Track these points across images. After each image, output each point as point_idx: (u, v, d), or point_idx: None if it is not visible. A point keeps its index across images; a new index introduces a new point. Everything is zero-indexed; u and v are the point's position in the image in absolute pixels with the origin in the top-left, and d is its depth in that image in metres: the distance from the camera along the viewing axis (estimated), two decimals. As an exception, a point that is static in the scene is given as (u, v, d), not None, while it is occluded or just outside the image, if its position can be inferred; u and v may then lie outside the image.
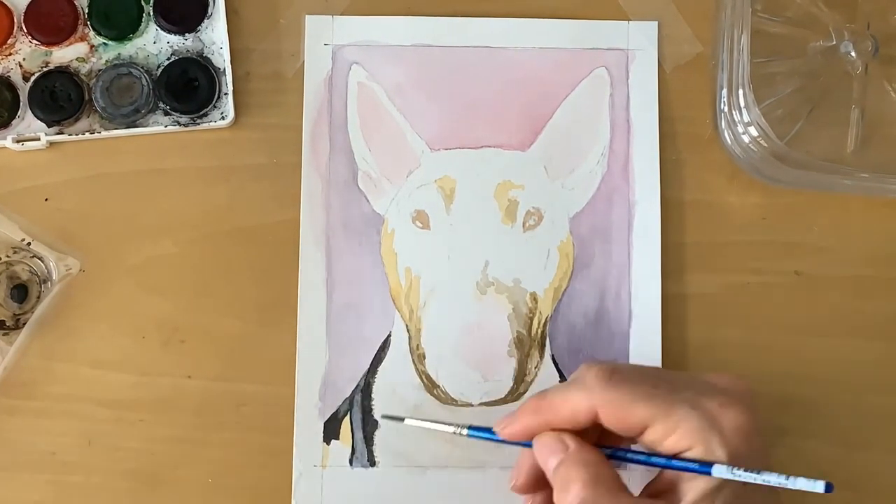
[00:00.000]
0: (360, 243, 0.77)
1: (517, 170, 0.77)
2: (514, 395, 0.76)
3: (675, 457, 0.61)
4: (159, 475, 0.75)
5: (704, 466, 0.59)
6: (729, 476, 0.59)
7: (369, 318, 0.76)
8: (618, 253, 0.77)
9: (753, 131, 0.75)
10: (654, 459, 0.62)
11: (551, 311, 0.77)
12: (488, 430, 0.66)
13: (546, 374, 0.76)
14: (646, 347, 0.76)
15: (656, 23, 0.80)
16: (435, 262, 0.77)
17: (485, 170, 0.77)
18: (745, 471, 0.58)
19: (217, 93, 0.77)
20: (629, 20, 0.79)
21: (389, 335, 0.76)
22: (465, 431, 0.67)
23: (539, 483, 0.66)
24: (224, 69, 0.77)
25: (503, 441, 0.65)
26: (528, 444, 0.64)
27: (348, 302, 0.76)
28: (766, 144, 0.75)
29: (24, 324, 0.75)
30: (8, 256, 0.76)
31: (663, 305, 0.77)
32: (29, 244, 0.76)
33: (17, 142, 0.76)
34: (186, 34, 0.78)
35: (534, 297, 0.76)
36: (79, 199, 0.77)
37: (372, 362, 0.76)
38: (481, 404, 0.76)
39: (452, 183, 0.77)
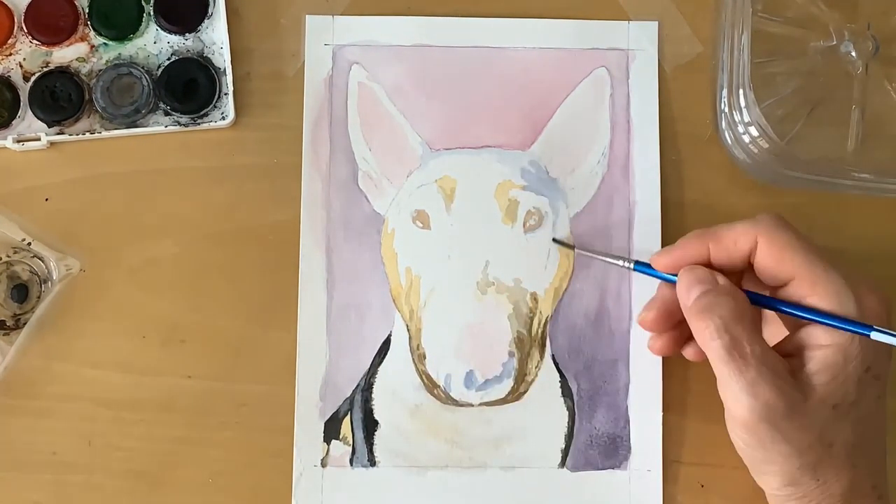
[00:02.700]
0: (360, 243, 0.77)
1: (517, 170, 0.77)
2: (515, 394, 0.76)
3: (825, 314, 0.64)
4: (159, 475, 0.75)
5: (864, 328, 0.62)
6: (884, 339, 0.62)
7: (369, 317, 0.76)
8: (618, 253, 0.77)
9: (754, 131, 0.75)
10: (808, 313, 0.64)
11: (552, 311, 0.77)
12: (648, 266, 0.71)
13: (546, 373, 0.76)
14: (646, 348, 0.76)
15: (656, 23, 0.80)
16: (435, 262, 0.77)
17: (485, 170, 0.77)
18: (889, 335, 0.62)
19: (217, 93, 0.77)
20: (629, 20, 0.79)
21: (390, 335, 0.76)
22: (631, 265, 0.73)
23: (665, 323, 0.70)
24: (224, 69, 0.77)
25: (661, 276, 0.70)
26: (674, 280, 0.68)
27: (348, 302, 0.76)
28: (766, 144, 0.75)
29: (25, 324, 0.75)
30: (8, 256, 0.76)
31: (663, 305, 0.77)
32: (29, 244, 0.76)
33: (18, 142, 0.76)
34: (187, 34, 0.78)
35: (534, 297, 0.76)
36: (79, 199, 0.77)
37: (372, 362, 0.76)
38: (481, 404, 0.76)
39: (453, 183, 0.77)
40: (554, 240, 0.77)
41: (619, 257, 0.74)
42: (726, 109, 0.76)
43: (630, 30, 0.79)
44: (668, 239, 0.77)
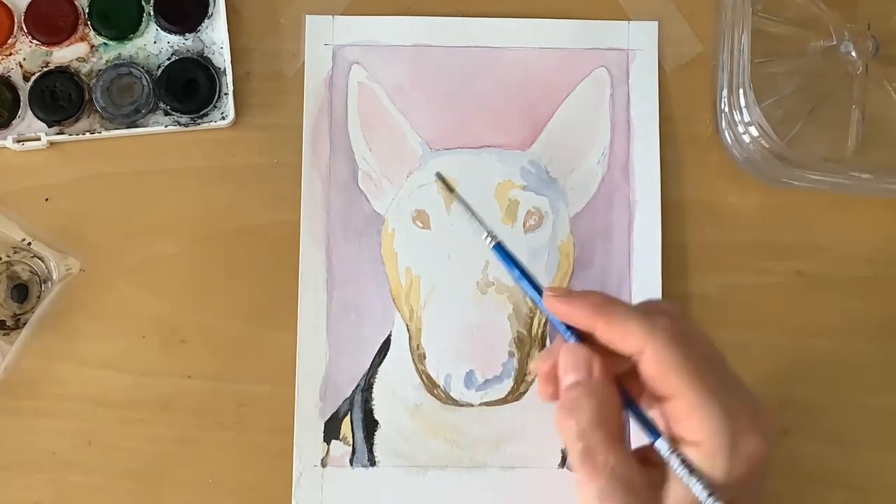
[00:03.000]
0: (360, 243, 0.77)
1: (517, 170, 0.77)
2: (515, 394, 0.76)
3: (676, 445, 0.59)
4: (159, 475, 0.75)
5: (653, 435, 0.59)
6: (665, 456, 0.58)
7: (370, 317, 0.76)
8: (618, 253, 0.77)
9: (754, 131, 0.75)
10: (658, 440, 0.60)
11: (552, 311, 0.77)
12: (538, 289, 0.64)
13: (546, 374, 0.76)
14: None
15: (656, 23, 0.80)
16: (435, 262, 0.77)
17: (485, 170, 0.77)
18: (681, 464, 0.58)
19: (217, 93, 0.77)
20: (629, 20, 0.80)
21: (390, 335, 0.76)
22: (492, 243, 0.65)
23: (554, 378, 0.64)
24: (224, 69, 0.78)
25: (534, 298, 0.65)
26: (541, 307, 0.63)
27: (349, 302, 0.76)
28: (766, 144, 0.75)
29: (25, 324, 0.75)
30: (8, 256, 0.76)
31: (663, 305, 0.77)
32: (29, 244, 0.76)
33: (18, 142, 0.76)
34: (187, 34, 0.78)
35: (534, 297, 0.76)
36: (79, 199, 0.77)
37: (372, 362, 0.76)
38: (481, 404, 0.76)
39: (452, 183, 0.77)
40: (437, 174, 0.74)
41: (485, 229, 0.66)
42: (726, 109, 0.76)
43: (630, 30, 0.79)
44: (667, 238, 0.78)
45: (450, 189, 0.72)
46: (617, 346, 0.61)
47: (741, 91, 0.75)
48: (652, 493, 0.60)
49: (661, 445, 0.59)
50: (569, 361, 0.62)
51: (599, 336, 0.61)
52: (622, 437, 0.61)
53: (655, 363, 0.60)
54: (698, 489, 0.57)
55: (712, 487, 0.57)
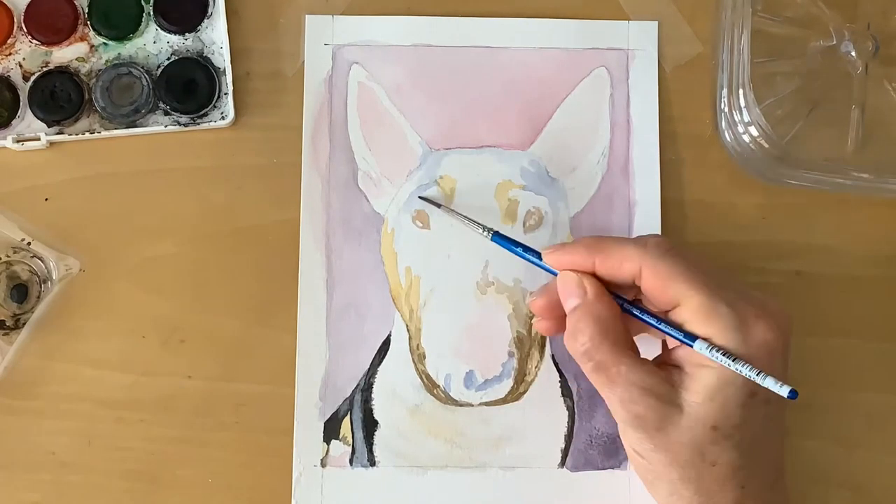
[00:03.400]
0: (360, 243, 0.77)
1: (517, 170, 0.77)
2: (515, 394, 0.76)
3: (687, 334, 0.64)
4: (159, 475, 0.75)
5: (688, 337, 0.63)
6: (707, 354, 0.61)
7: (369, 317, 0.76)
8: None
9: (754, 131, 0.75)
10: (660, 324, 0.65)
11: (551, 311, 0.77)
12: (537, 253, 0.70)
13: (546, 373, 0.76)
14: (646, 347, 0.76)
15: (656, 23, 0.80)
16: (435, 262, 0.77)
17: (485, 170, 0.77)
18: (723, 355, 0.61)
19: (217, 93, 0.77)
20: (629, 20, 0.79)
21: (389, 335, 0.76)
22: (489, 235, 0.72)
23: (553, 311, 0.69)
24: (224, 69, 0.77)
25: (519, 255, 0.71)
26: (545, 268, 0.69)
27: (348, 302, 0.76)
28: (766, 144, 0.75)
29: (24, 324, 0.75)
30: (8, 256, 0.76)
31: (663, 305, 0.77)
32: (29, 244, 0.76)
33: (17, 142, 0.76)
34: (186, 34, 0.78)
35: (534, 297, 0.76)
36: (79, 199, 0.77)
37: (372, 362, 0.76)
38: (481, 404, 0.76)
39: (452, 183, 0.77)
40: (420, 197, 0.77)
41: (480, 224, 0.73)
42: (726, 109, 0.76)
43: (630, 30, 0.79)
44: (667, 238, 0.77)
45: (437, 205, 0.75)
46: (616, 274, 0.66)
47: (741, 91, 0.75)
48: (672, 390, 0.64)
49: (695, 342, 0.63)
50: (564, 289, 0.67)
51: (599, 270, 0.67)
52: (629, 346, 0.66)
53: (654, 276, 0.64)
54: (745, 369, 0.60)
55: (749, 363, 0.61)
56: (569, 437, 0.76)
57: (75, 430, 0.75)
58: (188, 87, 0.77)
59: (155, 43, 0.78)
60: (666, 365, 0.66)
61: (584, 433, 0.76)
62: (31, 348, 0.75)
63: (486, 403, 0.76)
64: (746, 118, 0.75)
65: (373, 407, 0.76)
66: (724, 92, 0.76)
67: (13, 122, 0.77)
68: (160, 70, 0.77)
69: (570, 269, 0.67)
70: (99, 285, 0.76)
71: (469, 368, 0.76)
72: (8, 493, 0.75)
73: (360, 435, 0.75)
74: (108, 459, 0.75)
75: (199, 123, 0.77)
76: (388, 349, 0.76)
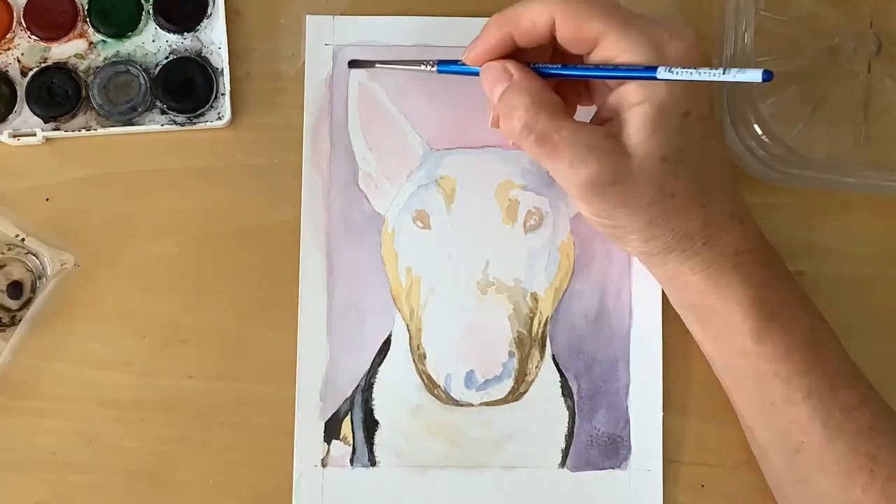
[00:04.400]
0: (360, 243, 0.77)
1: (518, 169, 0.77)
2: (515, 394, 0.76)
3: (617, 68, 0.64)
4: (159, 475, 0.75)
5: (649, 70, 0.63)
6: (670, 76, 0.62)
7: (370, 318, 0.76)
8: (618, 253, 0.77)
9: (757, 130, 0.75)
10: (597, 71, 0.65)
11: (552, 311, 0.77)
12: (456, 62, 0.70)
13: (546, 373, 0.76)
14: (646, 347, 0.76)
15: (657, 23, 0.79)
16: (435, 262, 0.76)
17: (485, 170, 0.77)
18: (684, 69, 0.61)
19: (214, 93, 0.77)
20: (630, 19, 0.79)
21: (390, 335, 0.76)
22: (433, 67, 0.72)
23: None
24: (222, 69, 0.77)
25: (464, 71, 0.70)
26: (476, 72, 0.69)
27: (349, 302, 0.76)
28: (769, 143, 0.74)
29: (20, 321, 0.75)
30: (2, 254, 0.76)
31: (664, 305, 0.77)
32: (23, 240, 0.75)
33: (13, 136, 0.76)
34: (185, 33, 0.78)
35: (534, 297, 0.76)
36: (77, 199, 0.77)
37: (372, 362, 0.76)
38: (482, 404, 0.76)
39: (453, 183, 0.77)
40: (349, 62, 0.78)
41: (420, 62, 0.73)
42: (729, 108, 0.76)
43: (631, 29, 0.79)
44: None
45: (371, 64, 0.77)
46: (534, 34, 0.66)
47: (744, 90, 0.75)
48: (614, 140, 0.65)
49: (602, 71, 0.65)
50: (489, 79, 0.67)
51: (519, 41, 0.67)
52: (566, 113, 0.66)
53: (567, 19, 0.65)
54: (711, 73, 0.61)
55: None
56: (569, 437, 0.76)
57: (76, 430, 0.75)
58: (186, 87, 0.76)
59: (154, 42, 0.78)
60: (601, 122, 0.67)
61: (584, 433, 0.76)
62: (31, 348, 0.75)
63: (487, 403, 0.76)
64: (750, 117, 0.75)
65: (373, 407, 0.76)
66: (728, 91, 0.76)
67: (10, 117, 0.77)
68: (158, 69, 0.77)
69: (494, 59, 0.68)
70: (98, 285, 0.76)
71: (469, 368, 0.76)
72: (8, 493, 0.75)
73: (360, 435, 0.75)
74: (109, 459, 0.75)
75: (195, 123, 0.77)
76: (388, 349, 0.76)
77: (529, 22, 0.66)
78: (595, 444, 0.76)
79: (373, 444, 0.75)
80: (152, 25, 0.78)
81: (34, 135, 0.76)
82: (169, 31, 0.78)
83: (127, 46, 0.78)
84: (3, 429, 0.75)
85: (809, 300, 0.72)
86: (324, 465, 0.75)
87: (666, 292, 0.74)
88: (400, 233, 0.77)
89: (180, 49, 0.78)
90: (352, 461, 0.75)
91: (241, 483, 0.75)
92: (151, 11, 0.78)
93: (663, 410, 0.76)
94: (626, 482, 0.76)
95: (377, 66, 0.76)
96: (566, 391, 0.76)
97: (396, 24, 0.78)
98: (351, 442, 0.75)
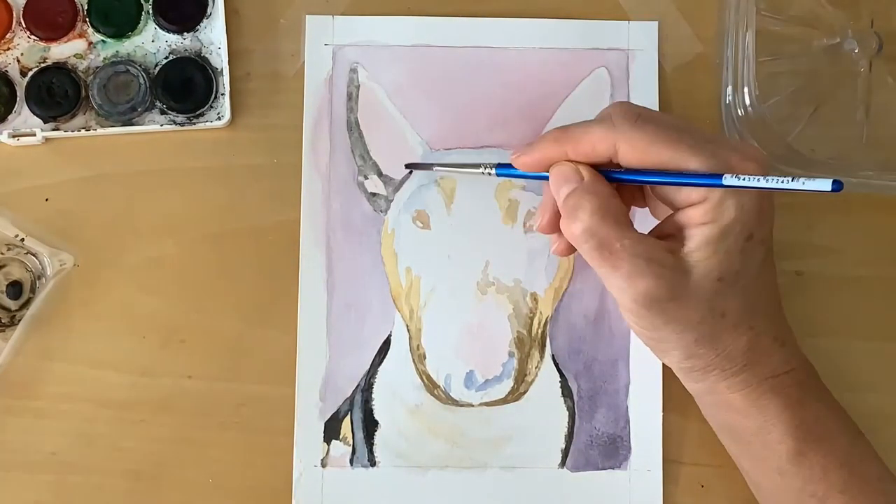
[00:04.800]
0: (360, 243, 0.77)
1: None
2: (515, 394, 0.76)
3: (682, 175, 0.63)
4: (159, 475, 0.75)
5: (715, 177, 0.61)
6: (736, 183, 0.60)
7: (370, 318, 0.76)
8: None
9: (758, 130, 0.75)
10: (665, 177, 0.64)
11: (552, 311, 0.77)
12: (510, 166, 0.70)
13: (546, 373, 0.76)
14: (646, 347, 0.76)
15: (656, 23, 0.79)
16: (435, 262, 0.76)
17: (486, 169, 0.77)
18: (751, 176, 0.60)
19: (214, 93, 0.77)
20: (629, 20, 0.79)
21: (390, 335, 0.76)
22: (492, 171, 0.71)
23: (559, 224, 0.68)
24: (222, 69, 0.77)
25: (523, 175, 0.69)
26: (544, 177, 0.68)
27: (348, 302, 0.76)
28: (770, 143, 0.74)
29: (20, 321, 0.75)
30: (2, 254, 0.76)
31: (664, 305, 0.77)
32: (22, 240, 0.75)
33: (13, 136, 0.76)
34: (185, 33, 0.78)
35: (534, 298, 0.76)
36: (77, 198, 0.77)
37: (372, 362, 0.76)
38: (482, 404, 0.76)
39: (453, 182, 0.77)
40: (407, 165, 0.77)
41: (478, 165, 0.72)
42: (731, 108, 0.76)
43: (630, 30, 0.79)
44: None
45: (429, 167, 0.75)
46: (592, 157, 0.65)
47: (745, 89, 0.74)
48: (675, 257, 0.64)
49: (669, 177, 0.63)
50: (559, 178, 0.66)
51: (573, 157, 0.66)
52: (629, 223, 0.65)
53: (632, 149, 0.64)
54: (780, 182, 0.59)
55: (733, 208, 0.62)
56: (569, 437, 0.76)
57: (76, 430, 0.75)
58: (185, 87, 0.76)
59: (153, 42, 0.78)
60: (663, 235, 0.66)
61: (584, 433, 0.76)
62: (31, 348, 0.75)
63: (487, 403, 0.76)
64: (751, 117, 0.75)
65: (373, 407, 0.76)
66: (729, 90, 0.76)
67: (9, 117, 0.77)
68: (158, 69, 0.77)
69: (543, 169, 0.67)
70: (98, 285, 0.76)
71: (469, 368, 0.76)
72: (8, 493, 0.75)
73: (360, 435, 0.75)
74: (109, 459, 0.75)
75: (195, 123, 0.77)
76: (388, 349, 0.76)
77: (590, 146, 0.65)
78: (595, 444, 0.76)
79: (372, 444, 0.75)
80: (152, 25, 0.78)
81: (34, 135, 0.76)
82: (169, 31, 0.78)
83: (126, 46, 0.78)
84: (3, 429, 0.75)
85: (847, 416, 0.71)
86: (323, 465, 0.75)
87: (699, 406, 0.73)
88: (400, 233, 0.77)
89: (180, 49, 0.78)
90: (351, 461, 0.75)
91: (241, 483, 0.75)
92: (151, 11, 0.78)
93: (663, 410, 0.76)
94: (626, 482, 0.76)
95: (435, 169, 0.76)
96: (566, 391, 0.76)
97: (396, 24, 0.78)
98: (351, 442, 0.75)
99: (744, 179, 0.60)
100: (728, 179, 0.60)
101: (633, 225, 0.65)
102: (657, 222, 0.69)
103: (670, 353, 0.68)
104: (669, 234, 0.65)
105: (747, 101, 0.75)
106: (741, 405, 0.68)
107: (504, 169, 0.71)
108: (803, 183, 0.58)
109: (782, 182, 0.59)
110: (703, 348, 0.66)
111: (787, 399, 0.68)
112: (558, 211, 0.67)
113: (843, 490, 0.68)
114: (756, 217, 0.63)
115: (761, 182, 0.60)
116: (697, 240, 0.63)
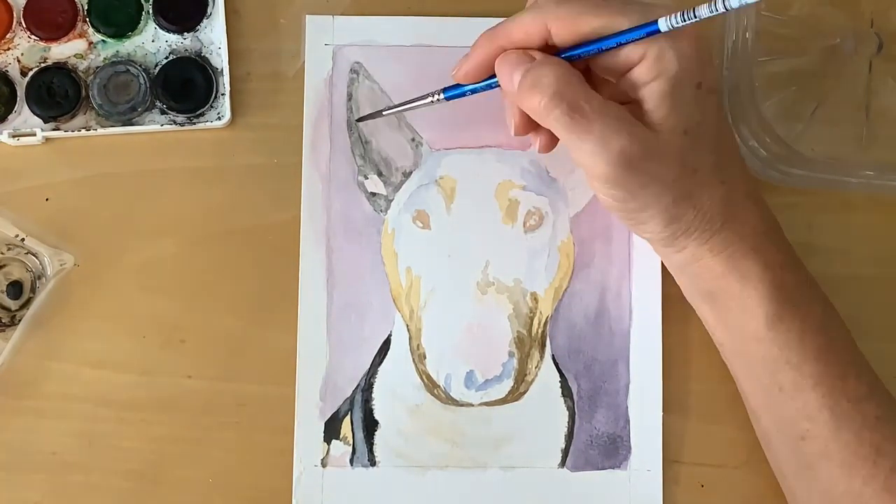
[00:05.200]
0: (360, 243, 0.77)
1: (518, 170, 0.77)
2: (515, 394, 0.76)
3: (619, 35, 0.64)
4: (160, 475, 0.75)
5: (650, 26, 0.62)
6: (672, 23, 0.61)
7: (370, 318, 0.76)
8: (618, 253, 0.77)
9: (758, 130, 0.75)
10: (604, 42, 0.64)
11: (552, 311, 0.77)
12: (459, 86, 0.70)
13: (546, 373, 0.76)
14: (646, 347, 0.76)
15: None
16: (435, 262, 0.76)
17: (485, 170, 0.77)
18: (684, 12, 0.61)
19: (214, 93, 0.77)
20: (630, 19, 0.79)
21: (390, 335, 0.76)
22: (441, 96, 0.71)
23: (527, 127, 0.69)
24: (222, 69, 0.77)
25: (473, 89, 0.70)
26: (493, 83, 0.68)
27: (349, 302, 0.76)
28: (770, 143, 0.74)
29: (20, 321, 0.75)
30: (2, 254, 0.76)
31: (664, 305, 0.77)
32: (23, 240, 0.75)
33: (13, 136, 0.76)
34: (185, 33, 0.78)
35: (534, 297, 0.76)
36: (77, 199, 0.77)
37: (372, 362, 0.76)
38: (481, 404, 0.76)
39: (453, 182, 0.77)
40: (357, 119, 0.78)
41: (425, 95, 0.72)
42: (730, 109, 0.76)
43: (631, 29, 0.79)
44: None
45: (378, 115, 0.75)
46: (528, 46, 0.66)
47: (745, 90, 0.74)
48: (641, 118, 0.64)
49: (658, 22, 0.62)
50: (509, 64, 0.66)
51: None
52: (590, 88, 0.65)
53: (563, 23, 0.65)
54: (710, 7, 0.60)
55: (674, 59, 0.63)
56: (569, 437, 0.76)
57: (76, 430, 0.75)
58: (185, 87, 0.76)
59: (153, 42, 0.78)
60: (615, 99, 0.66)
61: (584, 433, 0.76)
62: (32, 348, 0.76)
63: (487, 403, 0.76)
64: (751, 117, 0.75)
65: (373, 407, 0.76)
66: (728, 91, 0.76)
67: (10, 117, 0.77)
68: (158, 69, 0.77)
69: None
70: (98, 285, 0.76)
71: (469, 368, 0.76)
72: (8, 493, 0.75)
73: (360, 435, 0.75)
74: (109, 459, 0.75)
75: (195, 123, 0.77)
76: (388, 349, 0.76)
77: (522, 33, 0.65)
78: (595, 444, 0.76)
79: (373, 443, 0.75)
80: (152, 25, 0.78)
81: (34, 135, 0.76)
82: (169, 31, 0.78)
83: (127, 46, 0.78)
84: (3, 429, 0.75)
85: (820, 287, 0.72)
86: (323, 464, 0.75)
87: (679, 281, 0.73)
88: (400, 233, 0.77)
89: (180, 49, 0.78)
90: (352, 461, 0.75)
91: (241, 483, 0.75)
92: (151, 11, 0.78)
93: (663, 410, 0.76)
94: (626, 482, 0.76)
95: (384, 114, 0.75)
96: (566, 391, 0.76)
97: (396, 24, 0.78)
98: (351, 442, 0.75)
99: (677, 18, 0.61)
100: (663, 24, 0.61)
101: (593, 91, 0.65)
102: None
103: (650, 222, 0.67)
104: (625, 103, 0.65)
105: (746, 102, 0.75)
106: (723, 268, 0.69)
107: (451, 91, 0.70)
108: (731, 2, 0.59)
109: (713, 8, 0.60)
110: (682, 208, 0.66)
111: (768, 261, 0.69)
112: (480, 63, 0.68)
113: (818, 358, 0.68)
114: (698, 63, 0.64)
115: (693, 14, 0.61)
116: (653, 98, 0.63)
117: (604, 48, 0.64)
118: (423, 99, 0.72)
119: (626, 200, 0.65)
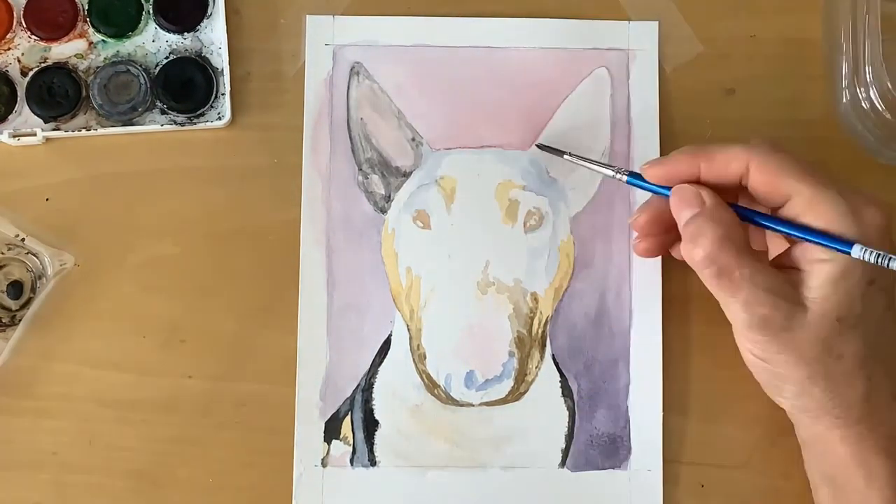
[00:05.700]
0: (360, 243, 0.77)
1: (518, 170, 0.77)
2: (515, 394, 0.76)
3: (812, 231, 0.64)
4: (160, 475, 0.75)
5: (845, 245, 0.62)
6: (864, 256, 0.61)
7: (370, 317, 0.76)
8: (618, 253, 0.77)
9: (879, 106, 0.74)
10: (793, 229, 0.65)
11: (552, 311, 0.77)
12: (640, 177, 0.70)
13: (546, 373, 0.76)
14: (646, 347, 0.76)
15: (657, 23, 0.79)
16: (435, 262, 0.76)
17: (485, 169, 0.77)
18: (881, 254, 0.61)
19: (214, 93, 0.77)
20: (629, 20, 0.79)
21: (390, 335, 0.76)
22: (624, 177, 0.72)
23: (654, 228, 0.71)
24: (222, 69, 0.77)
25: (650, 188, 0.70)
26: (665, 194, 0.69)
27: (349, 302, 0.76)
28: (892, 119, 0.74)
29: (20, 321, 0.75)
30: (2, 254, 0.76)
31: (664, 305, 0.77)
32: (23, 240, 0.75)
33: (13, 136, 0.76)
34: (185, 33, 0.78)
35: (534, 297, 0.76)
36: (77, 199, 0.77)
37: (373, 362, 0.76)
38: (482, 404, 0.76)
39: (453, 183, 0.77)
40: (538, 145, 0.77)
41: (610, 166, 0.73)
42: (848, 91, 0.76)
43: (630, 30, 0.79)
44: (668, 239, 0.77)
45: (560, 153, 0.75)
46: (723, 176, 0.67)
47: (868, 69, 0.73)
48: (794, 290, 0.64)
49: (798, 230, 0.64)
50: (681, 200, 0.67)
51: (705, 174, 0.67)
52: (750, 251, 0.65)
53: (763, 172, 0.65)
54: (858, 251, 0.61)
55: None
56: (569, 437, 0.76)
57: (76, 430, 0.75)
58: (186, 87, 0.77)
59: (154, 42, 0.78)
60: (782, 266, 0.66)
61: (584, 433, 0.76)
62: (32, 348, 0.75)
63: (487, 403, 0.76)
64: (873, 94, 0.74)
65: (373, 407, 0.76)
66: (846, 71, 0.76)
67: (10, 117, 0.77)
68: (158, 69, 0.77)
69: (672, 181, 0.68)
70: (98, 285, 0.76)
71: (469, 368, 0.76)
72: (8, 493, 0.75)
73: (360, 435, 0.75)
74: (109, 459, 0.75)
75: (195, 123, 0.77)
76: (388, 349, 0.76)
77: (723, 163, 0.66)
78: (595, 444, 0.76)
79: (373, 444, 0.75)
80: (152, 25, 0.78)
81: (34, 135, 0.76)
82: (169, 31, 0.78)
83: (127, 46, 0.78)
84: (3, 429, 0.75)
85: None
86: (324, 464, 0.75)
87: (804, 454, 0.73)
88: (400, 233, 0.77)
89: (180, 49, 0.78)
90: (352, 461, 0.75)
91: (241, 483, 0.75)
92: (151, 11, 0.78)
93: (663, 410, 0.76)
94: (626, 482, 0.76)
95: (566, 157, 0.75)
96: (566, 391, 0.76)
97: (396, 24, 0.78)
98: (351, 442, 0.75)
99: (871, 255, 0.61)
100: (857, 251, 0.62)
101: (752, 252, 0.66)
102: None
103: (783, 387, 0.67)
104: (789, 267, 0.66)
105: (870, 79, 0.74)
106: (850, 461, 0.68)
107: (634, 179, 0.71)
108: None
109: None
110: (817, 388, 0.66)
111: None
112: (657, 216, 0.70)
113: None
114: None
115: (887, 263, 0.61)
116: (818, 278, 0.64)
117: (782, 231, 0.65)
118: (604, 167, 0.73)
119: (764, 361, 0.66)
